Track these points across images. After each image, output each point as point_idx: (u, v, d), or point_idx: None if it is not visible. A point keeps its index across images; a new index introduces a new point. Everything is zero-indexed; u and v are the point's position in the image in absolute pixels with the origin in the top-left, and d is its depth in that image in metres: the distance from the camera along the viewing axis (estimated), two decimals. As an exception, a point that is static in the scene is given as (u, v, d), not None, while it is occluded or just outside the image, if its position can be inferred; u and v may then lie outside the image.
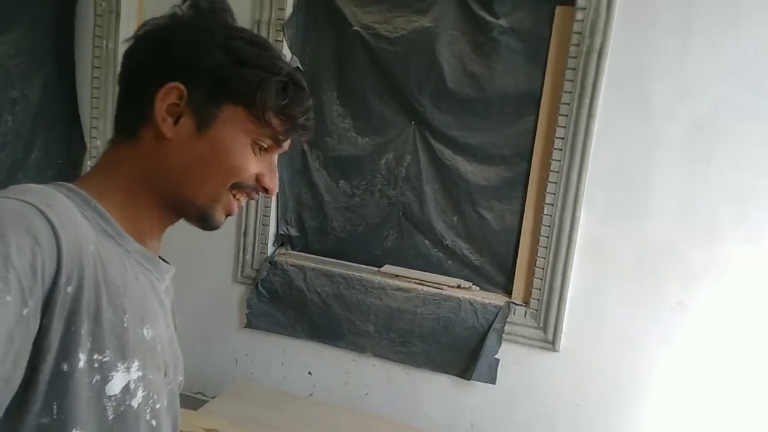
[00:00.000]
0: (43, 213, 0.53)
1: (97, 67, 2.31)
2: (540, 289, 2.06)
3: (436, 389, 2.22)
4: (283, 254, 2.43)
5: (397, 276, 2.27)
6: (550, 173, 2.00)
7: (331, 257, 2.39)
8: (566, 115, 1.95)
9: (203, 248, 2.48)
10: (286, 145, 0.71)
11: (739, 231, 1.82)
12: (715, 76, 1.79)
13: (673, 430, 1.95)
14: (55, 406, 0.55)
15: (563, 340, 2.04)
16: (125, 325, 0.61)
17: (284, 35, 2.26)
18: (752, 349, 1.85)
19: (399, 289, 2.23)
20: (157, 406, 0.67)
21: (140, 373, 0.63)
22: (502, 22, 2.04)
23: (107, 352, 0.59)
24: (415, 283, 2.23)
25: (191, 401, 2.47)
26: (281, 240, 2.47)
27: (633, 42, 1.84)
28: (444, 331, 2.17)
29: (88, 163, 2.35)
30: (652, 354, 1.95)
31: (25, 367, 0.52)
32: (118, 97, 0.70)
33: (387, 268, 2.30)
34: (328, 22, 2.27)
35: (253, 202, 2.39)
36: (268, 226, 2.42)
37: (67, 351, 0.55)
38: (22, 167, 2.15)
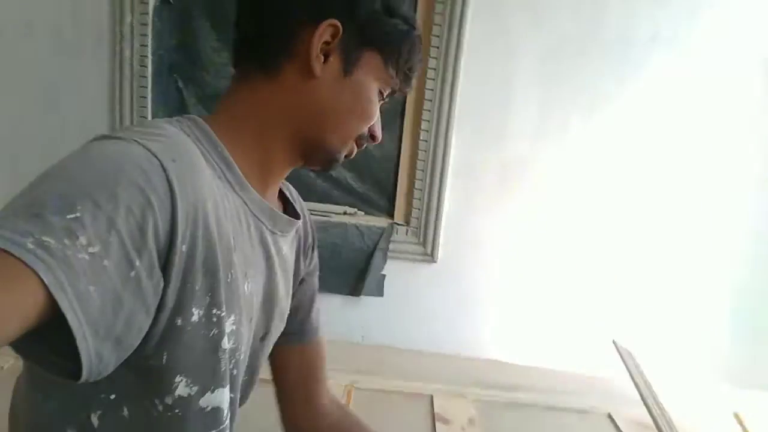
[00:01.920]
0: (165, 169, 0.53)
1: None
2: (419, 209, 2.27)
3: (330, 309, 2.38)
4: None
5: (285, 208, 2.35)
6: (425, 102, 2.17)
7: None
8: (437, 47, 2.12)
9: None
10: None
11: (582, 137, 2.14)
12: (561, 10, 2.04)
13: (532, 320, 2.31)
14: (165, 355, 0.57)
15: (441, 252, 2.29)
16: (230, 280, 0.62)
17: (149, -37, 2.15)
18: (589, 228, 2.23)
19: (288, 219, 2.32)
20: (241, 357, 0.68)
21: (234, 327, 0.64)
22: None
23: (224, 307, 0.61)
24: (304, 213, 2.33)
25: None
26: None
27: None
28: (332, 255, 2.32)
29: None
30: (513, 255, 2.26)
31: (146, 326, 0.53)
32: (252, 28, 0.67)
33: (275, 200, 2.37)
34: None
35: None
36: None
37: (181, 306, 0.56)
38: None
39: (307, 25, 0.64)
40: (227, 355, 0.63)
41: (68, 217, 0.45)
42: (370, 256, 2.28)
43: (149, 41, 2.23)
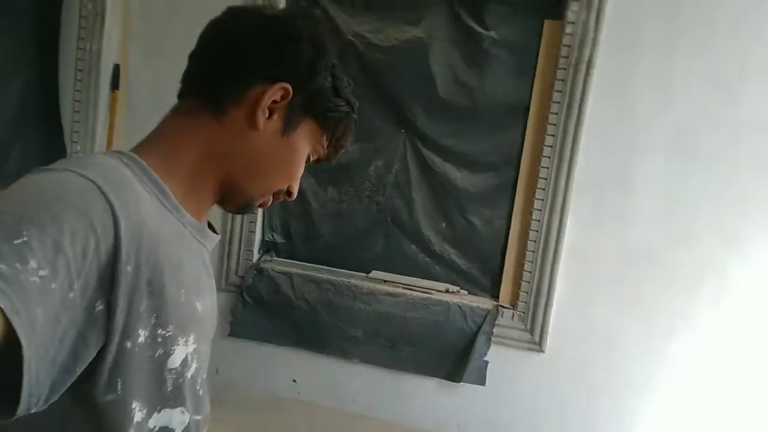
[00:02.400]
0: (103, 193, 0.53)
1: (80, 70, 2.26)
2: (527, 293, 2.12)
3: (424, 392, 2.24)
4: (269, 261, 2.41)
5: (385, 281, 2.28)
6: (539, 180, 2.07)
7: (319, 264, 2.39)
8: (555, 125, 2.04)
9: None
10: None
11: (716, 234, 1.93)
12: (695, 87, 1.91)
13: (655, 429, 2.03)
14: (119, 383, 0.57)
15: (549, 342, 2.10)
16: (183, 299, 0.63)
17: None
18: (729, 347, 1.95)
19: (388, 294, 2.24)
20: (204, 376, 0.70)
21: (195, 346, 0.65)
22: (492, 33, 2.12)
23: (170, 326, 0.61)
24: (404, 287, 2.26)
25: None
26: (267, 247, 2.45)
27: (619, 54, 1.95)
28: (433, 334, 2.20)
29: (69, 166, 2.28)
30: (634, 354, 2.02)
31: (82, 350, 0.53)
32: (208, 65, 0.69)
33: (375, 273, 2.32)
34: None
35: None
36: (254, 232, 2.40)
37: (130, 328, 0.56)
38: (1, 169, 2.06)
39: (263, 81, 0.67)
40: (174, 375, 0.63)
41: (15, 242, 0.46)
42: (473, 339, 2.13)
43: (268, 112, 2.32)
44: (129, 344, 0.56)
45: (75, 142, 2.28)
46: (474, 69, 2.16)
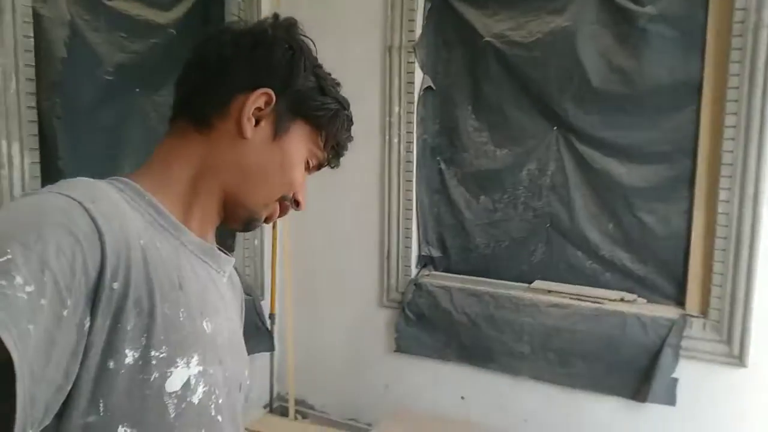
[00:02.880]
0: (86, 210, 0.53)
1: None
2: (720, 298, 1.82)
3: (604, 413, 2.03)
4: (427, 275, 2.39)
5: (549, 291, 2.13)
6: (722, 167, 1.79)
7: (476, 275, 2.31)
8: (736, 101, 1.74)
9: (346, 273, 2.53)
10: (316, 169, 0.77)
11: None
12: None
13: None
14: (101, 404, 0.54)
15: (752, 354, 1.78)
16: (181, 319, 0.60)
17: (415, 57, 2.27)
18: None
19: (553, 305, 2.09)
20: (220, 401, 0.65)
21: (200, 368, 0.62)
22: (648, 9, 1.89)
23: (164, 347, 0.58)
24: (571, 298, 2.09)
25: (345, 427, 2.50)
26: (424, 261, 2.44)
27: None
28: (609, 349, 1.99)
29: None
30: None
31: (74, 369, 0.52)
32: (191, 86, 0.70)
33: (538, 283, 2.18)
34: (458, 38, 2.25)
35: (394, 225, 2.40)
36: (410, 248, 2.40)
37: (113, 348, 0.54)
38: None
39: (244, 91, 0.67)
40: (176, 400, 0.59)
41: (0, 260, 0.46)
42: (657, 353, 1.89)
43: (414, 128, 2.33)
44: (111, 364, 0.54)
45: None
46: (630, 51, 1.94)
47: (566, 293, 2.10)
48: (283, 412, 2.62)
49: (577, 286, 2.11)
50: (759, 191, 1.73)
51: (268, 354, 2.60)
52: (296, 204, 0.75)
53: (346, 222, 2.51)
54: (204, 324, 0.64)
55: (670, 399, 1.88)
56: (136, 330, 0.56)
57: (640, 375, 1.94)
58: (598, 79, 2.01)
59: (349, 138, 0.77)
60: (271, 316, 2.58)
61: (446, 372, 2.33)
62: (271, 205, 0.73)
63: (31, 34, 1.69)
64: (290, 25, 0.72)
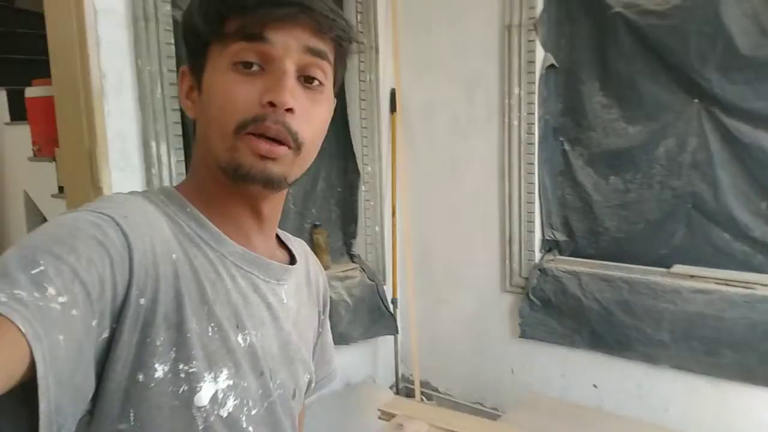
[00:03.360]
0: (118, 224, 0.54)
1: (364, 100, 2.51)
2: None
3: (758, 406, 1.88)
4: (552, 260, 2.32)
5: (692, 276, 2.00)
6: None
7: (607, 260, 2.21)
8: None
9: (467, 258, 2.52)
10: (279, 48, 0.59)
11: None
12: None
13: None
14: (131, 414, 0.55)
15: None
16: (210, 333, 0.59)
17: (536, 34, 2.19)
18: None
19: (697, 291, 1.95)
20: (253, 413, 0.64)
21: (230, 382, 0.61)
22: (809, -38, 1.69)
23: (194, 362, 0.58)
24: (717, 283, 1.94)
25: (470, 410, 2.50)
26: (548, 246, 2.37)
27: None
28: (763, 337, 1.84)
29: (363, 188, 2.55)
30: None
31: (91, 377, 0.52)
32: None
33: (678, 268, 2.05)
34: (584, 11, 2.14)
35: (515, 209, 2.35)
36: (533, 232, 2.35)
37: (142, 362, 0.55)
38: (311, 197, 2.42)
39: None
40: (204, 414, 0.59)
41: (33, 272, 0.46)
42: (822, 344, 1.72)
43: (536, 109, 2.26)
44: (141, 377, 0.55)
45: (365, 164, 2.55)
46: (787, 10, 1.75)
47: (712, 278, 1.96)
48: (409, 393, 2.67)
49: (724, 271, 1.96)
50: None
51: (392, 337, 2.66)
52: (271, 105, 0.59)
53: (466, 206, 2.49)
54: (239, 338, 0.62)
55: (841, 394, 1.70)
56: (166, 344, 0.56)
57: (802, 367, 1.77)
58: (747, 44, 1.83)
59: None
60: (394, 300, 2.63)
61: (576, 359, 2.26)
62: (239, 143, 0.60)
63: (172, 41, 1.81)
64: None
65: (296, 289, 0.74)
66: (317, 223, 2.43)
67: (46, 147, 2.23)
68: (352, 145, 2.52)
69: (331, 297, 2.46)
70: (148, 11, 1.68)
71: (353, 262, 2.55)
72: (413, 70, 2.54)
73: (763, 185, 1.88)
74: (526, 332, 2.34)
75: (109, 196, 0.62)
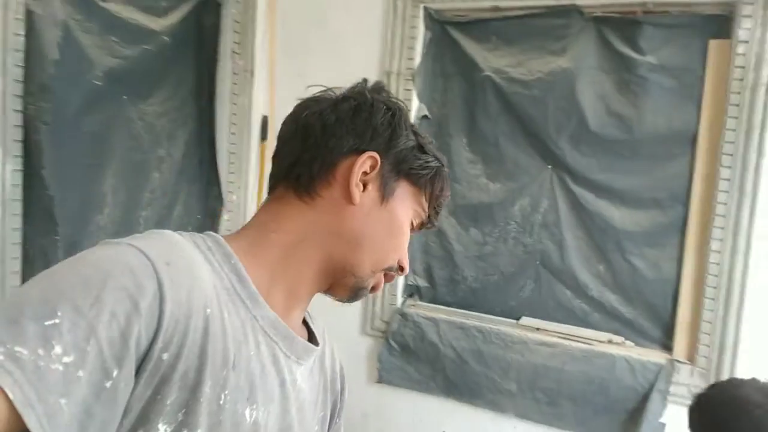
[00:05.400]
0: (156, 272, 0.52)
1: (234, 124, 2.39)
2: (708, 346, 1.86)
3: (588, 455, 2.04)
4: (413, 306, 2.36)
5: (538, 329, 2.13)
6: (716, 217, 1.83)
7: (463, 308, 2.29)
8: (731, 155, 1.80)
9: (327, 300, 2.46)
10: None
11: None
12: None
13: None
14: None
15: (738, 403, 1.82)
16: (221, 402, 0.57)
17: (413, 84, 2.25)
18: None
19: (542, 343, 2.09)
20: None
21: None
22: (649, 58, 1.93)
23: (199, 430, 0.55)
24: (559, 337, 2.09)
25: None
26: (410, 291, 2.41)
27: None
28: (597, 391, 2.00)
29: (225, 217, 2.41)
30: None
31: None
32: (292, 156, 0.69)
33: (526, 320, 2.18)
34: (457, 69, 2.25)
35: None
36: (397, 276, 2.36)
37: (146, 418, 0.52)
38: (165, 224, 2.22)
39: (348, 156, 0.66)
40: None
41: (46, 323, 0.45)
42: (644, 398, 1.91)
43: (407, 156, 2.30)
44: None
45: (230, 191, 2.41)
46: (629, 98, 1.98)
47: (555, 332, 2.11)
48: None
49: (565, 326, 2.12)
50: (750, 244, 1.78)
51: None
52: (401, 270, 0.72)
53: (331, 246, 2.45)
54: (247, 411, 0.60)
55: (657, 443, 1.89)
56: (175, 405, 0.53)
57: (627, 418, 1.95)
58: (596, 122, 2.03)
59: (448, 195, 0.75)
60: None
61: (429, 405, 2.29)
62: (378, 273, 0.70)
63: (22, 33, 1.58)
64: (380, 87, 0.72)
65: (310, 373, 0.72)
66: (171, 253, 2.23)
67: None
68: (217, 171, 2.38)
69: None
70: (-2, -3, 1.46)
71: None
72: (290, 99, 2.47)
73: (602, 249, 2.07)
74: (383, 377, 2.33)
75: (158, 232, 0.59)
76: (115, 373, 0.48)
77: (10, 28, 1.55)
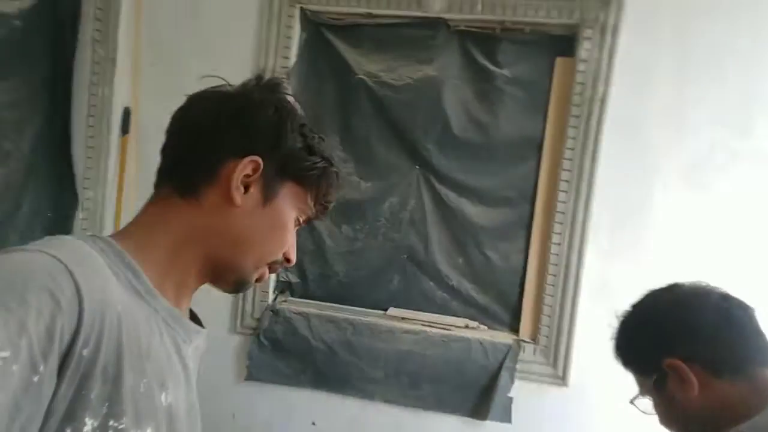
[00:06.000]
0: (71, 272, 0.54)
1: (92, 116, 2.24)
2: (549, 327, 2.12)
3: (448, 431, 2.21)
4: (285, 302, 2.38)
5: (403, 318, 2.27)
6: (556, 214, 2.09)
7: (334, 302, 2.37)
8: (570, 159, 2.06)
9: (197, 296, 2.40)
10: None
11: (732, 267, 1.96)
12: (707, 122, 1.95)
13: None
14: None
15: (573, 376, 2.10)
16: (142, 390, 0.60)
17: (288, 83, 2.28)
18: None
19: (407, 332, 2.23)
20: None
21: None
22: (505, 72, 2.15)
23: (124, 418, 0.57)
24: (423, 325, 2.24)
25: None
26: (281, 287, 2.43)
27: (632, 91, 1.99)
28: (455, 372, 2.18)
29: (80, 216, 2.24)
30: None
31: None
32: (175, 155, 0.70)
33: (393, 311, 2.30)
34: (331, 71, 2.31)
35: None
36: (268, 272, 2.37)
37: (73, 415, 0.54)
38: (12, 221, 2.02)
39: (231, 157, 0.67)
40: None
41: None
42: (495, 375, 2.13)
43: (280, 153, 2.32)
44: (69, 431, 0.54)
45: (86, 188, 2.25)
46: (487, 106, 2.19)
47: (418, 320, 2.26)
48: None
49: (428, 314, 2.28)
50: (584, 239, 2.06)
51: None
52: (287, 261, 0.75)
53: (200, 243, 2.39)
54: (162, 396, 0.63)
55: (506, 417, 2.11)
56: (99, 398, 0.55)
57: (481, 395, 2.15)
58: (458, 127, 2.22)
59: (336, 192, 0.77)
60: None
61: (299, 398, 2.32)
62: (263, 267, 0.73)
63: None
64: (274, 85, 0.72)
65: (194, 353, 0.73)
66: (18, 250, 2.03)
67: None
68: (71, 166, 2.21)
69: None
70: None
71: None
72: (155, 92, 2.37)
73: (461, 243, 2.26)
74: (252, 374, 2.32)
75: (59, 238, 0.60)
76: (41, 368, 0.49)
77: None
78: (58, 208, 2.21)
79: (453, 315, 2.29)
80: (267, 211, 0.69)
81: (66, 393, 0.53)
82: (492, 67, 2.16)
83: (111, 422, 0.56)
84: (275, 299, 2.38)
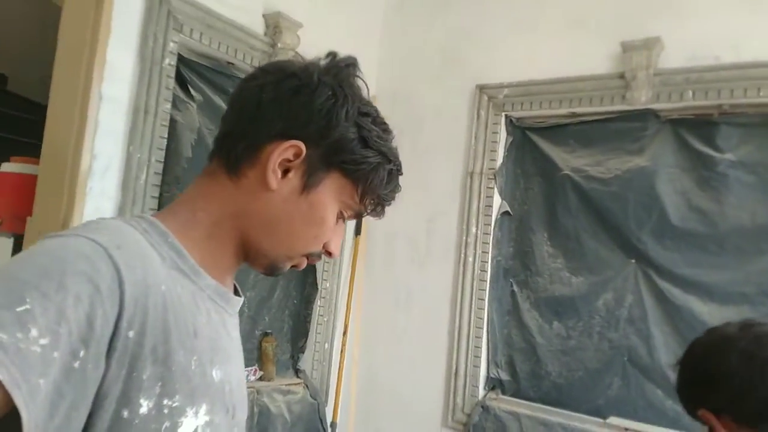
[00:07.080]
0: (110, 256, 0.53)
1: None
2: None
3: None
4: (495, 399, 2.35)
5: (626, 430, 2.05)
6: (811, 313, 1.76)
7: (547, 404, 2.25)
8: (823, 248, 1.76)
9: (411, 388, 2.51)
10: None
11: None
12: None
13: None
14: None
15: None
16: (193, 367, 0.60)
17: (495, 183, 2.41)
18: None
19: (631, 444, 2.00)
20: None
21: (207, 418, 0.61)
22: (728, 156, 1.98)
23: (177, 396, 0.57)
24: (649, 438, 1.99)
25: None
26: (492, 384, 2.41)
27: None
28: (692, 499, 1.86)
29: (318, 303, 2.59)
30: None
31: (84, 419, 0.52)
32: (228, 126, 0.69)
33: (614, 420, 2.10)
34: (537, 169, 2.39)
35: (463, 343, 2.41)
36: (479, 367, 2.39)
37: (127, 397, 0.54)
38: (266, 304, 2.44)
39: (275, 139, 0.65)
40: None
41: (18, 310, 0.46)
42: None
43: (490, 249, 2.42)
44: (126, 413, 0.54)
45: (324, 279, 2.61)
46: (710, 193, 2.01)
47: (644, 433, 2.01)
48: None
49: (657, 428, 2.02)
50: None
51: (324, 464, 2.54)
52: (328, 254, 0.72)
53: (415, 335, 2.54)
54: (214, 372, 0.63)
55: None
56: (152, 379, 0.55)
57: None
58: (678, 217, 2.06)
59: (395, 191, 0.72)
60: (333, 424, 2.55)
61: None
62: (297, 257, 0.70)
63: (166, 135, 1.93)
64: (343, 67, 0.68)
65: (236, 323, 0.74)
66: (268, 331, 2.42)
67: (10, 222, 2.23)
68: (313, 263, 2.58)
69: (269, 409, 2.33)
70: (150, 105, 1.81)
71: (298, 377, 2.51)
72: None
73: (691, 346, 2.01)
74: (461, 472, 2.29)
75: (99, 221, 0.61)
76: (81, 354, 0.49)
77: (157, 132, 1.89)
78: (302, 295, 2.59)
79: (687, 430, 1.99)
80: (304, 199, 0.66)
81: (118, 375, 0.53)
82: (713, 153, 2.00)
83: (165, 401, 0.56)
84: (485, 395, 2.36)
